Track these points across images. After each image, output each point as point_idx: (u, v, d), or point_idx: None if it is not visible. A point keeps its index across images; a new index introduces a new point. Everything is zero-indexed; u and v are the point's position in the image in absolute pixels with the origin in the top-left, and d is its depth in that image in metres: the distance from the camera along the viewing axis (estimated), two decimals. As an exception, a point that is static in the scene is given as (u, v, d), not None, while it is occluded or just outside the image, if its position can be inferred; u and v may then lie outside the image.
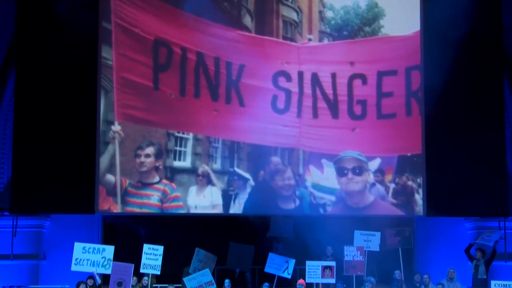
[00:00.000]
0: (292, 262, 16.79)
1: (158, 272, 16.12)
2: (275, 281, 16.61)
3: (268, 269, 16.78)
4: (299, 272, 17.02)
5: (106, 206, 17.69)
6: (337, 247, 17.27)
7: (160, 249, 16.03)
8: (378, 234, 17.45)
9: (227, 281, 16.41)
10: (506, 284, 14.65)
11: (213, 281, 15.73)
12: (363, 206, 17.91)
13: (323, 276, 16.26)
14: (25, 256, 17.81)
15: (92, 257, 15.86)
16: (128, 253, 16.59)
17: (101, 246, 16.20)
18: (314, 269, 16.32)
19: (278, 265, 16.74)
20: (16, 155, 17.41)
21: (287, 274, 16.71)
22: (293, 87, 18.02)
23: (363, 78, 18.06)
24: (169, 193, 17.76)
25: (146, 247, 16.05)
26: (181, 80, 17.86)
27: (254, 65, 17.99)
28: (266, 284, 16.36)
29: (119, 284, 15.19)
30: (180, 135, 17.90)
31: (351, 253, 16.56)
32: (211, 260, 16.74)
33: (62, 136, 17.32)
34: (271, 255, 16.87)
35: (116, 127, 17.71)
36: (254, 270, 18.08)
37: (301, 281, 16.47)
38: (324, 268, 16.32)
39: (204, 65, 17.92)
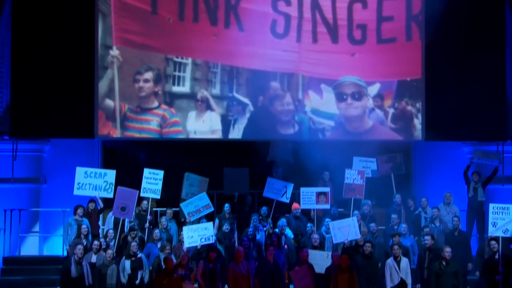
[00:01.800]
0: (290, 186, 16.81)
1: (158, 196, 16.23)
2: (274, 205, 16.69)
3: (266, 193, 16.84)
4: (298, 196, 17.04)
5: (106, 130, 17.70)
6: (335, 172, 17.35)
7: (160, 173, 16.11)
8: (375, 160, 17.59)
9: (226, 205, 16.50)
10: (504, 207, 14.70)
11: (211, 204, 15.81)
12: (362, 131, 17.97)
13: (317, 202, 16.27)
14: (26, 179, 17.92)
15: (94, 181, 16.01)
16: (127, 178, 16.71)
17: (102, 171, 16.33)
18: (308, 196, 16.35)
19: (277, 190, 16.78)
20: (14, 79, 17.33)
21: (286, 199, 16.77)
22: (293, 11, 17.85)
23: (363, 2, 17.89)
24: (168, 118, 17.77)
25: (146, 172, 16.13)
26: (180, 4, 17.67)
27: (253, -11, 17.81)
28: (265, 208, 16.45)
29: (123, 209, 15.26)
30: (179, 60, 17.80)
31: (351, 176, 16.60)
32: (203, 183, 16.67)
33: (60, 60, 17.21)
34: (269, 180, 16.90)
35: (115, 51, 17.61)
36: (253, 195, 18.19)
37: (295, 205, 16.54)
38: (319, 194, 16.32)
39: (203, -11, 17.76)
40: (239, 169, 17.33)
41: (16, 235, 17.48)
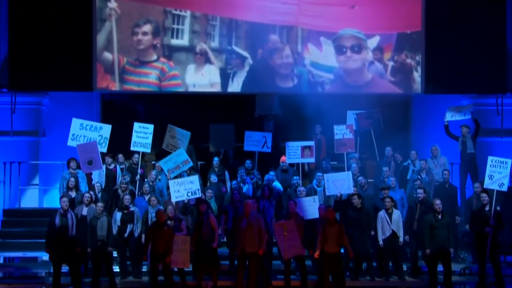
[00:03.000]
0: (269, 136, 16.81)
1: (149, 150, 16.17)
2: (256, 157, 16.67)
3: (247, 147, 16.81)
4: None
5: (104, 83, 17.70)
6: (329, 126, 17.32)
7: (150, 127, 15.97)
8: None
9: (215, 159, 16.58)
10: (503, 161, 14.60)
11: (189, 159, 15.60)
12: (361, 84, 17.90)
13: (302, 156, 16.16)
14: (25, 132, 17.97)
15: (89, 134, 15.91)
16: (126, 131, 16.65)
17: (98, 124, 16.23)
18: (293, 150, 16.19)
19: (256, 142, 16.77)
20: (12, 31, 17.28)
21: (267, 148, 16.74)
22: (292, -38, 17.70)
23: (364, -47, 17.72)
24: (167, 71, 17.72)
25: (136, 126, 15.99)
26: (178, -45, 17.56)
27: None
28: (248, 161, 16.41)
29: (89, 162, 15.14)
30: (178, 12, 17.69)
31: (340, 132, 16.53)
32: (185, 136, 16.45)
33: (58, 13, 17.16)
34: (247, 133, 16.82)
35: (113, 3, 17.52)
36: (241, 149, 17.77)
37: (283, 158, 16.48)
38: (304, 148, 16.20)
39: None
40: (225, 125, 17.32)
41: (16, 188, 17.61)
